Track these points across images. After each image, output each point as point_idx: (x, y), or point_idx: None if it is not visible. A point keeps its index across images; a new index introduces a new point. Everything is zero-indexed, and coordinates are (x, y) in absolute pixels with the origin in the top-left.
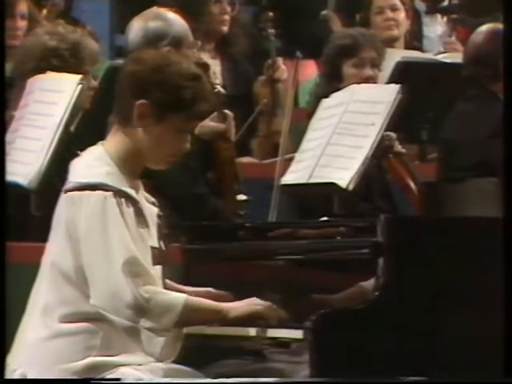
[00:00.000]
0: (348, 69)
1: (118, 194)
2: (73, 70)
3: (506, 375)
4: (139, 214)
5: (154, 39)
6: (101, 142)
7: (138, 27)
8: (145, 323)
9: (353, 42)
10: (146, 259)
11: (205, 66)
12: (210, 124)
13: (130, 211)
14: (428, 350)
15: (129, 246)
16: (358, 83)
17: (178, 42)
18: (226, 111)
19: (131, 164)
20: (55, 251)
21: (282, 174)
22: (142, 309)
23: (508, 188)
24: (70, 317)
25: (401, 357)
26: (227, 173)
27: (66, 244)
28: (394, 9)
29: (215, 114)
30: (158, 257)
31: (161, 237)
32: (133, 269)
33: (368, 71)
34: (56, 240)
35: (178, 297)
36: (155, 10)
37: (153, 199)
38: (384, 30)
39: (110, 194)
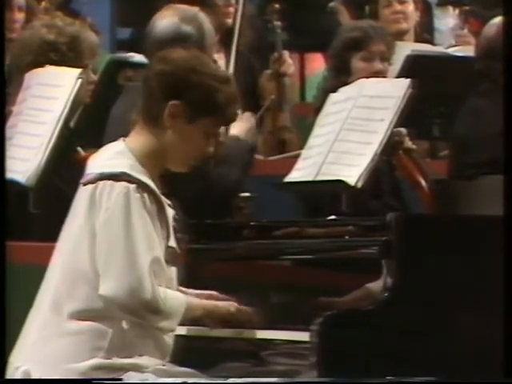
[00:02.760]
0: (357, 62)
1: (142, 187)
2: (72, 64)
3: (506, 375)
4: (161, 211)
5: (181, 42)
6: (122, 139)
7: (169, 22)
8: (159, 323)
9: (362, 35)
10: (163, 259)
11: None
12: None
13: (153, 207)
14: (436, 351)
15: (154, 243)
16: (367, 77)
17: (202, 48)
18: None
19: (153, 163)
20: (68, 246)
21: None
22: (157, 309)
23: (510, 186)
24: (80, 314)
25: (408, 358)
26: None
27: (82, 239)
28: (401, 1)
29: None
30: (174, 258)
31: (176, 238)
32: (155, 268)
33: (377, 65)
34: (70, 234)
35: (181, 297)
36: (191, 8)
37: (168, 201)
38: (392, 24)
39: (133, 186)
